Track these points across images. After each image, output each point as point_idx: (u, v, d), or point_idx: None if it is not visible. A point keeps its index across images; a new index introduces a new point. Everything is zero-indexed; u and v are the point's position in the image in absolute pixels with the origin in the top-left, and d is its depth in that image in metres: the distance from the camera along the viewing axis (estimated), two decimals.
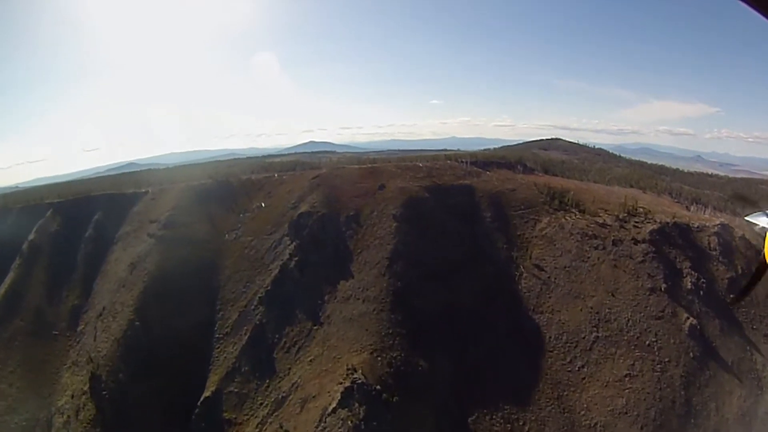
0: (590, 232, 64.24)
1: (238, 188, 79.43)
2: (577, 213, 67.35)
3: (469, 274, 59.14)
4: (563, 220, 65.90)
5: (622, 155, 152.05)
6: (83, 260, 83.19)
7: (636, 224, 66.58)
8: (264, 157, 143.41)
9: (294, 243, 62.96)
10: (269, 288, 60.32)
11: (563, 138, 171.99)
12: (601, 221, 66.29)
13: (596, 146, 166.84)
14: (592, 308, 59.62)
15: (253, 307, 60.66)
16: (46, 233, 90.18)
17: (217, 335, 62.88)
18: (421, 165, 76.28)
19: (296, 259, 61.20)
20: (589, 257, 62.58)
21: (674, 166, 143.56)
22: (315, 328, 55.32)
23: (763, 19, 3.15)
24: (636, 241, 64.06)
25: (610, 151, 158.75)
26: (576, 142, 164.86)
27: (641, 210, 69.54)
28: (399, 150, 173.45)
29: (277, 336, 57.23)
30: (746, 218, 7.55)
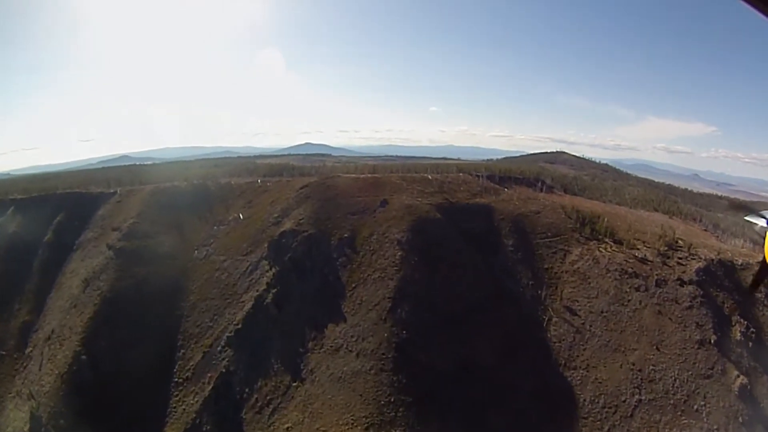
0: (630, 270, 49.80)
1: (216, 193, 63.28)
2: (612, 244, 52.77)
3: (488, 319, 44.19)
4: (597, 252, 51.22)
5: (625, 172, 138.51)
6: (39, 268, 68.12)
7: (679, 261, 52.45)
8: (256, 156, 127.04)
9: (273, 269, 47.34)
10: (240, 326, 44.92)
11: (563, 151, 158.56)
12: (640, 255, 51.85)
13: (595, 161, 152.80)
14: (633, 364, 45.52)
15: (219, 348, 45.37)
16: (4, 234, 74.57)
17: (176, 379, 47.73)
18: (430, 177, 60.35)
19: (274, 290, 45.59)
20: (629, 300, 48.23)
21: (676, 185, 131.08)
22: (294, 385, 40.11)
23: (764, 19, 2.86)
24: (682, 282, 49.99)
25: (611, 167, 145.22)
26: (582, 156, 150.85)
27: (681, 243, 55.46)
28: (397, 156, 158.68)
29: (247, 390, 42.02)
30: (746, 218, 7.51)
